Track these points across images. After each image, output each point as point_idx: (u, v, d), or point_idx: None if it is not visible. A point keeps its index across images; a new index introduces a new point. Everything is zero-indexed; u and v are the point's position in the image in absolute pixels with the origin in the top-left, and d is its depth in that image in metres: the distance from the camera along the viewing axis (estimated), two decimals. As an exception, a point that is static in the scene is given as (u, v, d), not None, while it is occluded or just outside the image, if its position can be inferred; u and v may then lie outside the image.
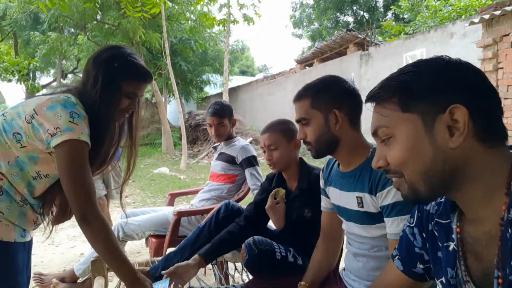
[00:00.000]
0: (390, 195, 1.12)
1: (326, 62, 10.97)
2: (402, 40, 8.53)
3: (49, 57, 14.19)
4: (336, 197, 1.34)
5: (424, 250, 0.84)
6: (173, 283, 1.48)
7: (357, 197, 1.23)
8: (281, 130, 1.72)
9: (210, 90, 16.51)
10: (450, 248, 0.75)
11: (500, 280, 0.63)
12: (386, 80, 0.75)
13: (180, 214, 2.28)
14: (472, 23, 5.28)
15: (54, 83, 21.91)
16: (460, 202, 0.72)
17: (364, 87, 8.25)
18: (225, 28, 11.01)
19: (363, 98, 0.95)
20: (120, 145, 1.52)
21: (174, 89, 10.52)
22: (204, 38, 13.11)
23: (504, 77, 4.87)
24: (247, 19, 10.60)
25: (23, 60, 10.92)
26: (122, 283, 1.89)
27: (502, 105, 0.74)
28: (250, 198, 2.55)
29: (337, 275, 1.45)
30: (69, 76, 23.26)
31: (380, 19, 18.00)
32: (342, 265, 1.51)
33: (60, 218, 1.43)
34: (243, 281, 1.92)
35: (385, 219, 1.15)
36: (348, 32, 10.13)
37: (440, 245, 0.78)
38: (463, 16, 9.07)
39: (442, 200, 0.80)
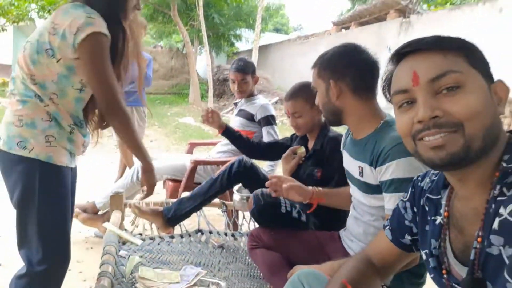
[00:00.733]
0: (389, 171, 1.14)
1: (364, 27, 10.54)
2: (447, 11, 8.07)
3: None
4: (346, 162, 1.40)
5: (414, 223, 0.89)
6: None
7: (359, 166, 1.28)
8: (304, 97, 1.74)
9: (241, 45, 16.25)
10: (437, 222, 0.80)
11: (476, 255, 0.67)
12: (444, 36, 0.74)
13: (196, 163, 2.39)
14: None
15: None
16: (460, 177, 0.73)
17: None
18: (263, -18, 10.64)
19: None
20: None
21: (205, 42, 10.44)
22: (240, -9, 12.75)
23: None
24: (286, -26, 10.16)
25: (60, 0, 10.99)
26: (137, 219, 2.07)
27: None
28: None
29: (337, 235, 1.52)
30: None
31: (428, -15, 16.86)
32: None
33: (100, 123, 1.51)
34: (249, 229, 2.04)
35: (383, 194, 1.19)
36: (390, -3, 9.62)
37: (429, 218, 0.83)
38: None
39: (436, 178, 0.84)
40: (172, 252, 1.69)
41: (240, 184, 2.01)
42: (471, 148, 0.66)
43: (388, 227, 0.96)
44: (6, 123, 1.29)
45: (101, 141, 1.61)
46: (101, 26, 1.22)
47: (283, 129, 6.83)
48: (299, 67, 12.49)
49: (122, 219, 1.96)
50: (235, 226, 2.22)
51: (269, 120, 2.46)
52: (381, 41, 8.65)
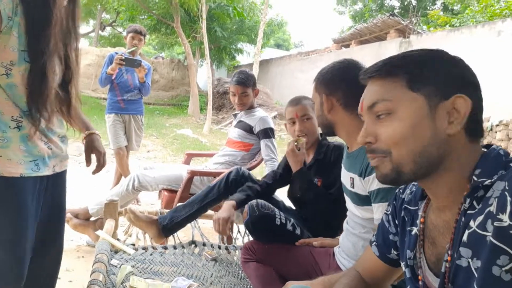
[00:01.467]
0: (376, 181, 1.16)
1: (364, 45, 10.68)
2: (446, 32, 8.19)
3: (90, 7, 14.39)
4: (342, 174, 1.41)
5: (397, 236, 0.89)
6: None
7: (350, 177, 1.30)
8: (312, 102, 1.76)
9: (242, 59, 16.42)
10: (413, 233, 0.81)
11: (447, 266, 0.68)
12: (394, 58, 0.76)
13: (193, 173, 2.37)
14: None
15: (93, 34, 22.32)
16: (429, 189, 0.76)
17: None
18: (265, -2, 10.81)
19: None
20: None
21: (206, 54, 10.54)
22: (243, 6, 12.94)
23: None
24: (289, -9, 10.34)
25: (65, 7, 11.11)
26: (131, 228, 2.04)
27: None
28: (261, 168, 2.62)
29: (331, 251, 1.51)
30: (108, 28, 23.60)
31: (428, 7, 17.17)
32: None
33: (68, 110, 1.28)
34: (243, 243, 2.01)
35: (372, 204, 1.20)
36: (390, 17, 9.78)
37: (407, 229, 0.83)
38: (516, 14, 8.56)
39: (415, 189, 0.85)
40: (164, 263, 1.66)
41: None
42: (401, 171, 0.72)
43: (374, 243, 0.96)
44: None
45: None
46: None
47: (282, 144, 6.84)
48: (298, 83, 12.61)
49: (116, 227, 1.94)
50: (229, 239, 2.19)
51: (267, 133, 2.46)
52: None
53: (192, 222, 1.99)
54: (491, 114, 5.53)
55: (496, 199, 0.60)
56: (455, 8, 13.46)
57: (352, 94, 1.27)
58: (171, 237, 1.93)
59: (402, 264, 0.84)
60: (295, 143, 1.75)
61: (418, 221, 0.79)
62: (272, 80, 14.42)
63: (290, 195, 1.88)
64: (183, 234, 2.11)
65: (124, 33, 3.54)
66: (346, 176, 1.34)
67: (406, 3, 19.33)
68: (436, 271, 0.73)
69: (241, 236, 2.13)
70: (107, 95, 3.58)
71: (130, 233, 1.98)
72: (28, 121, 1.11)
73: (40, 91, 1.13)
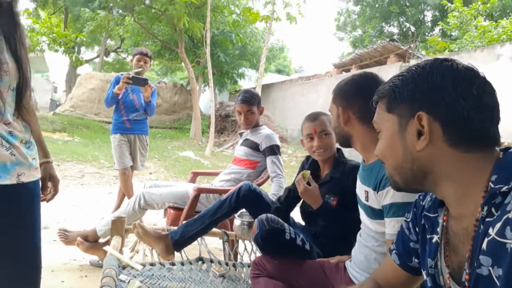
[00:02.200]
0: (388, 195, 1.16)
1: (364, 70, 10.85)
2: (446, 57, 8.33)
3: (96, 34, 14.68)
4: (357, 186, 1.41)
5: (418, 244, 0.88)
6: None
7: (365, 190, 1.29)
8: (329, 117, 1.77)
9: (244, 83, 16.67)
10: (433, 240, 0.80)
11: (467, 276, 0.67)
12: (387, 81, 0.82)
13: (199, 191, 2.37)
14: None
15: (97, 59, 22.72)
16: (443, 198, 0.77)
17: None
18: (267, 24, 11.09)
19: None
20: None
21: (210, 79, 10.71)
22: (246, 33, 13.26)
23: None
24: (290, 18, 10.62)
25: (71, 33, 11.41)
26: (137, 244, 2.02)
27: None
28: (268, 184, 2.62)
29: (342, 265, 1.49)
30: (112, 54, 24.04)
31: (427, 33, 17.55)
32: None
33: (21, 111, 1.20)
34: (250, 260, 1.99)
35: (384, 218, 1.19)
36: (390, 42, 9.98)
37: (427, 237, 0.82)
38: (513, 39, 8.73)
39: (434, 196, 0.84)
40: (172, 278, 1.64)
41: (242, 210, 1.98)
42: (395, 181, 0.81)
43: (394, 251, 0.94)
44: None
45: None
46: None
47: (284, 166, 6.82)
48: (300, 107, 12.72)
49: (122, 244, 1.92)
50: (236, 256, 2.16)
51: (273, 150, 2.47)
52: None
53: (199, 239, 1.97)
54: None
55: None
56: (453, 34, 13.75)
57: (369, 108, 1.29)
58: (177, 254, 1.91)
59: (424, 272, 0.83)
60: (304, 181, 1.70)
61: (438, 229, 0.79)
62: (273, 104, 14.56)
63: (302, 209, 1.86)
64: (190, 253, 2.08)
65: (128, 59, 3.61)
66: (361, 189, 1.34)
67: (405, 29, 19.79)
68: (458, 280, 0.72)
69: (248, 253, 2.10)
70: (112, 117, 3.60)
71: (136, 250, 1.96)
72: None
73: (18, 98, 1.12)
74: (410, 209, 0.92)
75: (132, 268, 1.65)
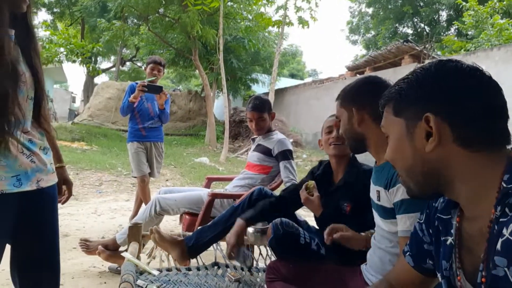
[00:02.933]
0: (399, 192, 1.17)
1: (378, 72, 10.75)
2: (462, 56, 8.20)
3: (112, 43, 15.02)
4: (371, 188, 1.41)
5: (432, 246, 0.87)
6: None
7: (376, 190, 1.30)
8: None
9: (257, 89, 16.71)
10: (448, 242, 0.79)
11: (483, 278, 0.66)
12: (393, 85, 0.83)
13: (214, 196, 2.40)
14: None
15: (114, 69, 23.19)
16: (456, 199, 0.76)
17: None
18: (280, 29, 11.12)
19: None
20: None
21: (223, 85, 10.80)
22: (258, 38, 13.32)
23: None
24: (302, 22, 10.62)
25: (88, 44, 11.67)
26: (155, 250, 2.06)
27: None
28: (281, 189, 2.63)
29: (358, 269, 1.48)
30: (128, 63, 24.52)
31: (442, 33, 17.30)
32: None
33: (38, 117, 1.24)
34: (265, 265, 1.99)
35: (396, 216, 1.19)
36: (404, 43, 9.87)
37: (442, 239, 0.82)
38: (532, 36, 8.53)
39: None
40: (189, 283, 1.66)
41: None
42: (409, 186, 0.80)
43: (408, 253, 0.94)
44: None
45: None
46: None
47: (299, 171, 6.81)
48: (313, 110, 12.68)
49: (140, 250, 1.95)
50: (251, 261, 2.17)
51: (286, 155, 2.48)
52: (396, 85, 8.74)
53: (215, 244, 2.00)
54: None
55: None
56: (469, 33, 13.52)
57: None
58: (193, 259, 1.93)
59: (439, 275, 0.82)
60: (307, 191, 1.72)
61: (452, 231, 0.78)
62: (287, 108, 14.55)
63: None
64: (205, 258, 2.11)
65: (144, 67, 3.69)
66: (373, 190, 1.35)
67: (419, 30, 19.55)
68: (474, 282, 0.71)
69: (263, 257, 2.11)
70: (127, 125, 3.68)
71: (153, 255, 1.99)
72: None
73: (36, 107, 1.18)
74: (423, 210, 0.91)
75: (149, 273, 1.68)
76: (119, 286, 1.41)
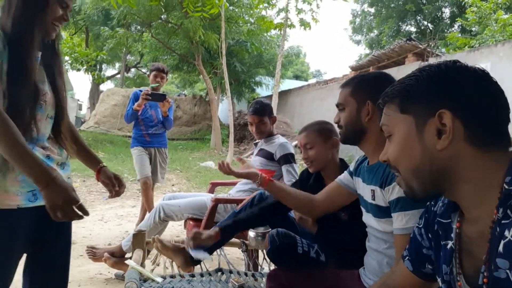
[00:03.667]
0: (395, 190, 1.16)
1: (382, 71, 10.70)
2: (466, 53, 8.15)
3: (116, 51, 15.13)
4: (360, 187, 1.40)
5: (431, 250, 0.87)
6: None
7: (371, 189, 1.29)
8: (317, 130, 1.78)
9: (261, 91, 16.73)
10: (448, 246, 0.78)
11: (485, 279, 0.66)
12: (395, 83, 0.82)
13: (217, 201, 2.41)
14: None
15: (118, 76, 23.36)
16: (458, 201, 0.76)
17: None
18: (282, 32, 11.14)
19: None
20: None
21: (227, 89, 10.84)
22: (260, 41, 13.35)
23: None
24: (304, 24, 10.63)
25: (92, 52, 11.79)
26: (158, 257, 2.07)
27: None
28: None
29: (357, 273, 1.48)
30: (132, 70, 24.68)
31: (446, 30, 17.20)
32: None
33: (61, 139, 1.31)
34: (269, 269, 1.99)
35: (392, 214, 1.19)
36: (408, 42, 9.83)
37: (442, 243, 0.82)
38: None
39: (446, 201, 0.83)
40: (192, 290, 1.67)
41: None
42: (411, 186, 0.77)
43: (407, 257, 0.94)
44: None
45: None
46: None
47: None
48: (318, 111, 12.64)
49: (144, 257, 1.96)
50: (255, 266, 2.18)
51: (288, 159, 2.49)
52: (400, 84, 8.71)
53: (218, 250, 2.00)
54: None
55: None
56: (473, 29, 13.44)
57: None
58: (197, 265, 1.94)
59: (439, 279, 0.82)
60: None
61: (452, 234, 0.78)
62: (291, 110, 14.54)
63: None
64: (209, 263, 2.11)
65: (147, 74, 3.73)
66: (366, 189, 1.33)
67: (422, 27, 19.46)
68: (475, 285, 0.71)
69: (267, 262, 2.11)
70: (132, 132, 3.71)
71: (157, 262, 2.00)
72: None
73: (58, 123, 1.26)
74: (422, 215, 0.91)
75: (153, 280, 1.69)
76: (123, 294, 1.43)
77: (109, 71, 27.10)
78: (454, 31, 16.53)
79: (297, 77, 27.49)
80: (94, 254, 2.57)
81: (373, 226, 1.33)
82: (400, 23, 20.00)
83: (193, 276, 1.82)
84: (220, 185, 3.44)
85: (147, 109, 3.57)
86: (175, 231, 3.78)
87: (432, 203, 0.89)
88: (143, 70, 23.23)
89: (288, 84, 17.74)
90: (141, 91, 3.43)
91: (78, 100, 30.13)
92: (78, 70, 11.76)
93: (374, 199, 1.28)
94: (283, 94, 14.77)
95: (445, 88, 0.72)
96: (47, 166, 1.06)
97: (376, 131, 1.29)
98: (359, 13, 22.14)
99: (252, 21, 12.55)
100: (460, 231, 0.76)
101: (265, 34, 13.29)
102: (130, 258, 2.47)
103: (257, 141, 2.81)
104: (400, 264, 0.96)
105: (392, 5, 19.47)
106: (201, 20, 9.96)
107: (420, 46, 9.65)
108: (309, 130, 1.80)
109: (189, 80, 17.47)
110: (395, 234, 1.18)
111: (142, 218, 3.57)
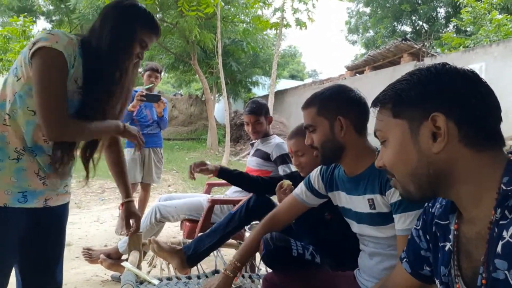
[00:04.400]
0: (397, 193, 1.15)
1: (378, 71, 10.74)
2: (461, 53, 8.19)
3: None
4: (346, 201, 1.39)
5: (429, 252, 0.87)
6: None
7: (368, 199, 1.27)
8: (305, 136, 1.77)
9: (258, 91, 16.72)
10: (446, 248, 0.78)
11: (483, 280, 0.66)
12: (387, 88, 0.81)
13: (213, 202, 2.40)
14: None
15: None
16: (455, 202, 0.76)
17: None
18: (277, 31, 11.14)
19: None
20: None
21: (223, 88, 10.82)
22: (256, 41, 13.34)
23: None
24: (300, 23, 10.63)
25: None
26: (155, 259, 2.06)
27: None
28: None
29: (352, 275, 1.48)
30: (127, 69, 24.54)
31: (441, 30, 17.29)
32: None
33: (83, 155, 1.38)
34: (266, 271, 1.99)
35: (394, 215, 1.19)
36: (403, 42, 9.87)
37: (440, 245, 0.81)
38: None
39: (444, 202, 0.83)
40: (188, 292, 1.66)
41: (253, 222, 1.99)
42: (408, 190, 0.77)
43: (405, 259, 0.93)
44: None
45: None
46: (55, 41, 1.09)
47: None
48: (315, 111, 12.62)
49: (140, 259, 1.95)
50: (252, 268, 2.17)
51: (284, 159, 2.48)
52: (395, 84, 8.75)
53: (215, 251, 1.99)
54: (507, 130, 5.39)
55: None
56: (468, 29, 13.50)
57: (361, 116, 1.31)
58: (194, 267, 1.93)
59: (437, 281, 0.82)
60: (283, 189, 1.74)
61: (450, 236, 0.78)
62: (288, 110, 14.55)
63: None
64: (206, 265, 2.11)
65: (141, 73, 3.70)
66: (358, 200, 1.31)
67: (418, 27, 19.55)
68: (473, 286, 0.71)
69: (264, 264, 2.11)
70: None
71: (154, 264, 1.99)
72: (29, 156, 1.15)
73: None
74: (420, 217, 0.91)
75: (149, 283, 1.68)
76: (119, 297, 1.41)
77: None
78: (449, 31, 16.62)
79: (293, 77, 27.51)
80: (90, 255, 2.55)
81: (371, 235, 1.31)
82: (395, 23, 20.08)
83: (189, 278, 1.82)
84: (216, 185, 3.43)
85: (142, 109, 3.55)
86: (172, 232, 3.76)
87: (430, 204, 0.88)
88: (139, 70, 23.14)
89: (284, 83, 17.75)
90: (136, 91, 3.41)
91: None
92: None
93: (374, 208, 1.26)
94: (280, 94, 14.77)
95: (436, 91, 0.72)
96: (119, 122, 1.35)
97: (354, 144, 1.29)
98: (354, 13, 22.21)
99: (248, 20, 12.55)
100: (458, 233, 0.76)
101: (261, 34, 13.28)
102: (127, 259, 2.47)
103: (253, 141, 2.81)
104: (399, 265, 0.96)
105: (388, 5, 19.55)
106: (196, 19, 9.93)
107: (416, 46, 9.69)
108: (297, 136, 1.77)
109: (185, 79, 17.42)
110: (398, 235, 1.18)
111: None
